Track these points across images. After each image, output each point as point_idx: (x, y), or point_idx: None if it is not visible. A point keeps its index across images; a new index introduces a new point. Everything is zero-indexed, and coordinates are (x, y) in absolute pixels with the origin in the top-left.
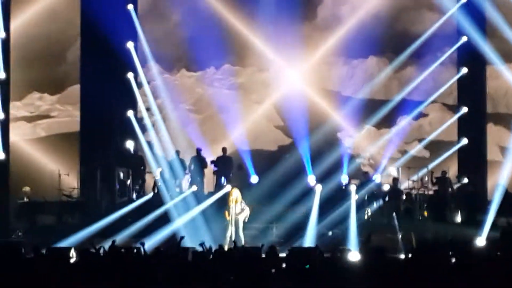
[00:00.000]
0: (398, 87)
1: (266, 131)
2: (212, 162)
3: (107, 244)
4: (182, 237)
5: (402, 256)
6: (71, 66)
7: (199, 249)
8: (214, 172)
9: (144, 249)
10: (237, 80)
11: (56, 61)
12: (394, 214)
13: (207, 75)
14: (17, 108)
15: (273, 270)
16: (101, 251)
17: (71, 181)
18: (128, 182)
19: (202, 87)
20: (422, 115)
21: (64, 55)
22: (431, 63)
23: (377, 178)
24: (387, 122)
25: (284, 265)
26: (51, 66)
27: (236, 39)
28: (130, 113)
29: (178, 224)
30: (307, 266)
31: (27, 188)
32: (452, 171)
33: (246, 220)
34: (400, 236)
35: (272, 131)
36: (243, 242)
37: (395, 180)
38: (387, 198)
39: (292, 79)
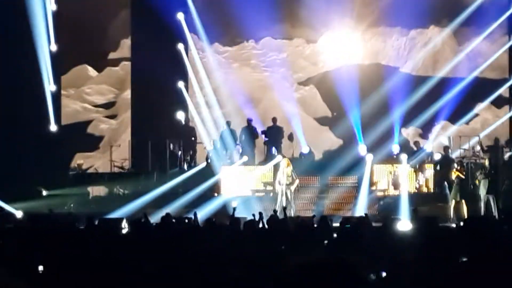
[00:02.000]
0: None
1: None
2: (262, 132)
3: (159, 215)
4: (234, 208)
5: (454, 225)
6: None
7: (251, 219)
8: (265, 143)
9: (196, 219)
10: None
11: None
12: (445, 183)
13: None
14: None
15: (325, 242)
16: (153, 221)
17: (122, 153)
18: (179, 153)
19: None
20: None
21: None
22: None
23: (428, 147)
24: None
25: (335, 235)
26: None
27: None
28: (180, 84)
29: (229, 195)
30: (347, 225)
31: (80, 161)
32: (504, 138)
33: (297, 190)
34: (451, 205)
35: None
36: (294, 212)
37: (447, 149)
38: (438, 167)
39: (342, 53)
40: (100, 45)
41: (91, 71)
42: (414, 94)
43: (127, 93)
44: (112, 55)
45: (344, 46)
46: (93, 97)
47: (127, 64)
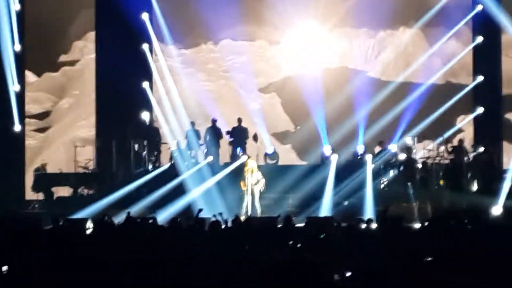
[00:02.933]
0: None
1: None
2: (227, 132)
3: (123, 216)
4: (200, 209)
5: (418, 225)
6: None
7: (215, 219)
8: (230, 143)
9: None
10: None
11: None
12: (409, 183)
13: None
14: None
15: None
16: (117, 222)
17: (87, 153)
18: (144, 153)
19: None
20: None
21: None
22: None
23: (392, 147)
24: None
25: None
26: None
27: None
28: (145, 84)
29: (193, 195)
30: (322, 235)
31: (44, 162)
32: (468, 140)
33: (262, 190)
34: (416, 205)
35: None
36: (259, 212)
37: (409, 149)
38: (401, 168)
39: (307, 56)
40: (54, 47)
41: (30, 76)
42: (379, 97)
43: (65, 101)
44: (62, 58)
45: (308, 48)
46: (28, 106)
47: (68, 69)
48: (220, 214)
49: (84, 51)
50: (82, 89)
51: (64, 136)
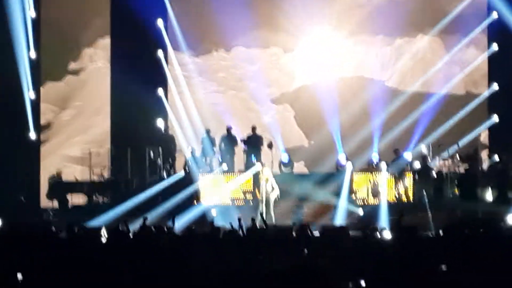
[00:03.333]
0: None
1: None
2: (242, 140)
3: (138, 223)
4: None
5: (432, 234)
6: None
7: (231, 228)
8: (244, 151)
9: (174, 223)
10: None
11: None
12: (424, 192)
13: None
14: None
15: (305, 251)
16: (132, 230)
17: (102, 161)
18: (159, 161)
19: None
20: None
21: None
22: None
23: (407, 155)
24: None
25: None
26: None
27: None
28: (160, 92)
29: (208, 203)
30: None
31: (60, 170)
32: (483, 148)
33: (278, 199)
34: (430, 214)
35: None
36: (273, 221)
37: (425, 158)
38: (417, 176)
39: (322, 64)
40: (66, 55)
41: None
42: (394, 105)
43: (67, 113)
44: (72, 65)
45: (323, 56)
46: None
47: (73, 78)
48: (238, 219)
49: (94, 58)
50: (86, 99)
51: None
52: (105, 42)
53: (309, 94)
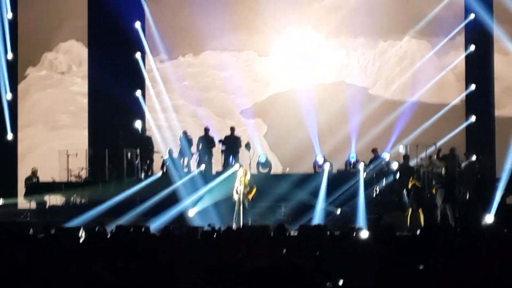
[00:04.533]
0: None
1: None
2: (220, 141)
3: (116, 224)
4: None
5: (410, 234)
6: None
7: (208, 229)
8: (222, 152)
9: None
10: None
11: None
12: (404, 191)
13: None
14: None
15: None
16: (109, 230)
17: (79, 161)
18: (136, 162)
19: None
20: None
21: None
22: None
23: (386, 155)
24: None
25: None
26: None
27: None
28: (138, 93)
29: (186, 203)
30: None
31: (35, 168)
32: (460, 148)
33: (254, 198)
34: (408, 213)
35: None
36: (251, 221)
37: (406, 158)
38: (398, 175)
39: (298, 69)
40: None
41: None
42: (372, 106)
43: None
44: (29, 71)
45: (300, 60)
46: None
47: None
48: (209, 225)
49: (54, 63)
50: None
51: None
52: (66, 45)
53: (284, 101)
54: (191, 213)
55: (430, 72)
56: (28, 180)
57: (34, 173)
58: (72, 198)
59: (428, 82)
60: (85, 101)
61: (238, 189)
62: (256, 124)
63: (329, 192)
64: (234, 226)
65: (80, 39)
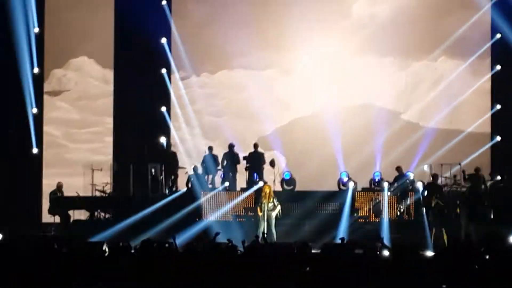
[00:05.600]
0: None
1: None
2: (244, 158)
3: (140, 240)
4: (217, 233)
5: (434, 253)
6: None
7: (231, 244)
8: (246, 168)
9: (175, 243)
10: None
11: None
12: (427, 210)
13: None
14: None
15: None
16: (133, 246)
17: (104, 176)
18: (161, 177)
19: None
20: None
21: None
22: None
23: (410, 174)
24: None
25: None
26: None
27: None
28: (163, 109)
29: (210, 220)
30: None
31: (60, 183)
32: (485, 168)
33: (279, 216)
34: (432, 233)
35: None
36: (275, 238)
37: (435, 177)
38: (425, 194)
39: (322, 91)
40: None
41: None
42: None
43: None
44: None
45: (326, 80)
46: None
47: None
48: (242, 242)
49: (62, 80)
50: None
51: None
52: (77, 62)
53: (306, 125)
54: (215, 229)
55: (460, 93)
56: (52, 194)
57: (59, 187)
58: (96, 213)
59: (455, 102)
60: (109, 119)
61: (263, 206)
62: (273, 156)
63: (353, 210)
64: (260, 241)
65: (92, 55)
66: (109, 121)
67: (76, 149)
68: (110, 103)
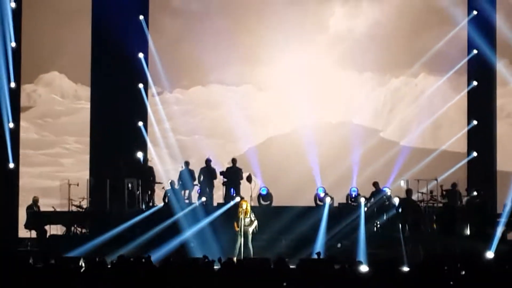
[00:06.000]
0: None
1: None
2: (221, 173)
3: (117, 255)
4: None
5: (410, 268)
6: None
7: (208, 260)
8: (223, 183)
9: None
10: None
11: None
12: (403, 226)
13: None
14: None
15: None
16: (109, 261)
17: (80, 191)
18: (138, 192)
19: None
20: None
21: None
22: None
23: (387, 190)
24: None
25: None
26: None
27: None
28: (140, 124)
29: (187, 235)
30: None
31: (36, 197)
32: (462, 183)
33: (255, 231)
34: (408, 248)
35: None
36: (252, 254)
37: (409, 192)
38: (400, 210)
39: (299, 108)
40: None
41: None
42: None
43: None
44: None
45: (303, 96)
46: None
47: None
48: (205, 257)
49: (32, 96)
50: None
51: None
52: (48, 77)
53: (283, 142)
54: (192, 244)
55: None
56: (29, 208)
57: (35, 202)
58: (72, 228)
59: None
60: (71, 138)
61: (239, 221)
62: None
63: (330, 226)
64: (235, 259)
65: (63, 71)
66: (70, 140)
67: (25, 173)
68: (73, 121)
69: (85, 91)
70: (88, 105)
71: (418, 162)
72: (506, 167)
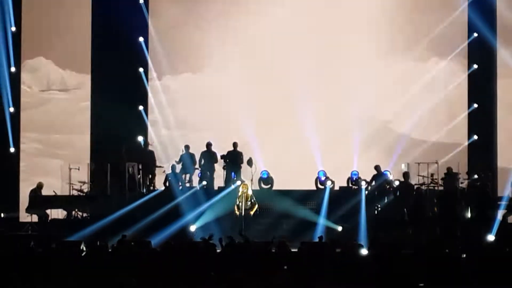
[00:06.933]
0: None
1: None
2: (222, 156)
3: (117, 239)
4: (211, 234)
5: (412, 251)
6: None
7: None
8: (224, 167)
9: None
10: None
11: None
12: (405, 209)
13: None
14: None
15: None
16: (110, 245)
17: (81, 175)
18: (138, 176)
19: None
20: None
21: None
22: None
23: (388, 173)
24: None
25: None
26: None
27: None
28: (140, 108)
29: (187, 219)
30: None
31: (41, 183)
32: (463, 166)
33: (257, 214)
34: (410, 231)
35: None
36: (252, 237)
37: (406, 175)
38: (398, 193)
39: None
40: None
41: None
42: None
43: None
44: None
45: (304, 79)
46: None
47: None
48: (219, 239)
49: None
50: None
51: None
52: (33, 63)
53: (284, 124)
54: (193, 228)
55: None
56: (32, 192)
57: (39, 187)
58: (73, 212)
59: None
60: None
61: (240, 205)
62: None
63: (331, 209)
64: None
65: (50, 56)
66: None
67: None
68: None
69: (80, 78)
70: (87, 90)
71: (419, 146)
72: (507, 150)
